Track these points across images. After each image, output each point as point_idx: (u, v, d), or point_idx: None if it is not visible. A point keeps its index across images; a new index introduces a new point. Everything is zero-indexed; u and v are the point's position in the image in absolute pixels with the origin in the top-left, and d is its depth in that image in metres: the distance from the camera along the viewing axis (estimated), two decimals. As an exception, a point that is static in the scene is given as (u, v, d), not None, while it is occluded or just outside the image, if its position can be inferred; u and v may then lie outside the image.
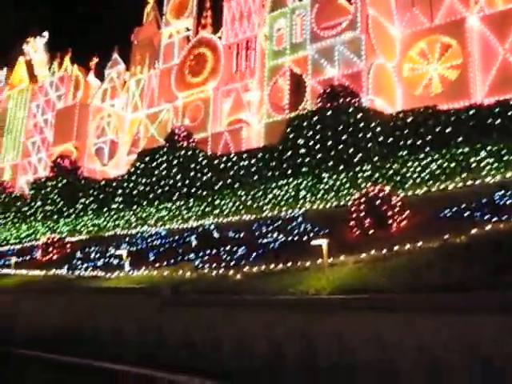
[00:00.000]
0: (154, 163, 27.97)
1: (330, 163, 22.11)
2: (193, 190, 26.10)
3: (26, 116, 56.50)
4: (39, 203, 34.19)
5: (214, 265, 18.71)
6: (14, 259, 28.01)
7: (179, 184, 26.70)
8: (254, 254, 18.64)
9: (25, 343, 20.55)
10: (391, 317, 12.51)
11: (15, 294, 23.19)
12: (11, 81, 60.22)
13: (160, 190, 27.37)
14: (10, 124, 58.18)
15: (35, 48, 61.48)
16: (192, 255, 20.79)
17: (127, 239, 25.49)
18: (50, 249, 27.21)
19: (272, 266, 16.89)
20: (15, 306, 22.72)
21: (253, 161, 24.48)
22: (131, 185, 28.80)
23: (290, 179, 22.89)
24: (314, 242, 15.54)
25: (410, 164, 20.31)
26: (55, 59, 57.46)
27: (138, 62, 50.85)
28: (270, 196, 23.28)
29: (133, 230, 27.26)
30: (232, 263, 18.45)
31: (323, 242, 15.12)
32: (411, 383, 11.63)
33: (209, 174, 25.83)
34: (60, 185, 33.31)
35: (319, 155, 22.48)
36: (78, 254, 26.05)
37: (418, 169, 20.06)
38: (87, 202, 31.18)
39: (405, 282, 13.15)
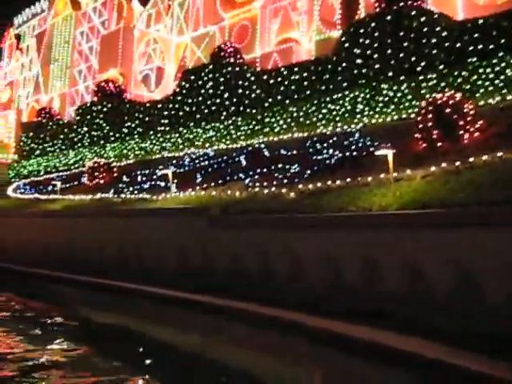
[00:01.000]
0: (200, 82, 26.13)
1: (390, 73, 19.84)
2: (241, 109, 24.28)
3: (71, 44, 55.15)
4: (85, 129, 33.04)
5: (266, 183, 17.11)
6: (59, 184, 27.10)
7: (227, 102, 24.89)
8: (309, 172, 16.95)
9: (71, 267, 19.68)
10: (469, 232, 10.70)
11: (62, 218, 22.24)
12: (54, 9, 58.63)
13: (207, 110, 25.65)
14: (56, 53, 57.00)
15: (77, -26, 59.45)
16: (241, 175, 19.27)
17: (174, 161, 24.12)
18: (97, 173, 26.14)
19: (329, 182, 15.19)
20: (60, 229, 21.82)
21: (304, 74, 22.36)
22: (177, 106, 27.14)
23: (346, 92, 20.78)
24: (379, 152, 13.70)
25: (481, 70, 17.89)
26: (98, -15, 55.45)
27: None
28: (324, 111, 21.28)
29: (180, 152, 25.82)
30: (285, 181, 16.82)
31: (389, 152, 13.27)
32: (494, 304, 9.94)
33: (258, 91, 23.88)
34: (105, 109, 31.96)
35: (377, 65, 20.23)
36: (125, 178, 24.90)
37: (491, 75, 17.66)
38: (133, 125, 29.78)
39: (483, 196, 11.29)
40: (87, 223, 20.54)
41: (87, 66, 52.52)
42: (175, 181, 20.88)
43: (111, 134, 30.98)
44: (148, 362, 10.13)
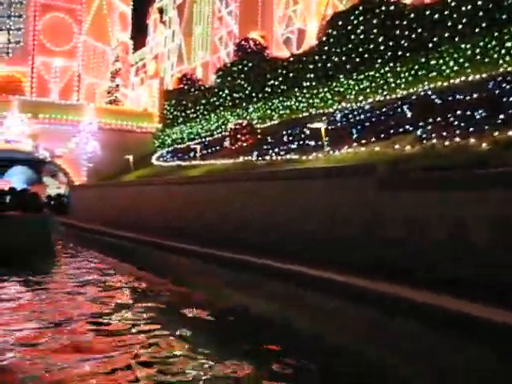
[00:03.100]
0: (350, 27, 22.29)
1: None
2: (400, 53, 20.18)
3: (210, 11, 53.34)
4: (227, 91, 30.45)
5: (444, 134, 13.22)
6: (199, 149, 24.80)
7: (382, 47, 20.88)
8: (502, 117, 12.81)
9: (212, 239, 16.96)
10: None
11: (202, 184, 19.68)
12: (194, -23, 57.12)
13: (358, 59, 21.79)
14: (197, 22, 55.61)
15: None
16: (408, 127, 15.45)
17: (323, 118, 20.69)
18: (239, 136, 23.38)
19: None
20: (194, 195, 19.27)
21: (478, 3, 17.79)
22: (324, 57, 23.52)
23: (539, 18, 16.12)
24: None
25: None
26: None
27: None
28: (509, 45, 16.72)
29: (329, 108, 22.31)
30: (471, 129, 12.83)
31: None
32: None
33: (419, 30, 19.64)
34: (246, 69, 29.09)
35: None
36: (269, 139, 21.91)
37: None
38: (276, 83, 26.60)
39: None
40: (228, 189, 17.68)
41: (227, 32, 50.49)
42: (326, 138, 17.53)
43: (253, 94, 28.08)
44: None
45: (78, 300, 12.89)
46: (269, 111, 26.37)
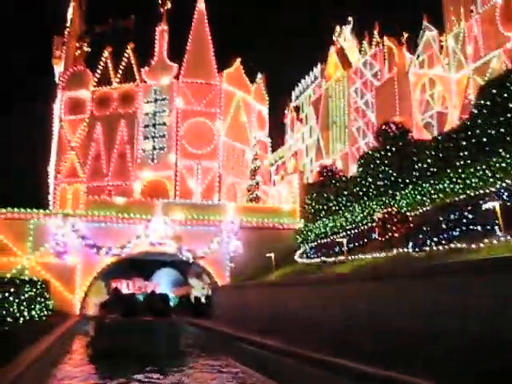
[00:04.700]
0: (505, 94, 19.38)
1: None
2: None
3: (346, 104, 52.44)
4: (370, 180, 28.08)
5: None
6: (344, 242, 22.31)
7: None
8: None
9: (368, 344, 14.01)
10: None
11: (351, 283, 17.04)
12: (326, 73, 57.26)
13: (522, 127, 18.70)
14: (333, 116, 54.87)
15: (343, 36, 57.76)
16: None
17: (486, 199, 17.52)
18: (389, 225, 20.62)
19: None
20: (346, 296, 16.56)
21: None
22: (478, 131, 20.60)
23: None
24: None
25: None
26: (364, 39, 52.74)
27: (451, 14, 43.20)
28: None
29: (492, 187, 19.06)
30: None
31: None
32: None
33: None
34: (389, 154, 26.72)
35: None
36: (424, 228, 18.96)
37: None
38: (424, 166, 23.85)
39: None
40: (386, 289, 14.84)
41: (365, 122, 49.06)
42: (497, 221, 14.46)
43: (400, 180, 25.44)
44: None
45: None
46: (419, 196, 23.44)
